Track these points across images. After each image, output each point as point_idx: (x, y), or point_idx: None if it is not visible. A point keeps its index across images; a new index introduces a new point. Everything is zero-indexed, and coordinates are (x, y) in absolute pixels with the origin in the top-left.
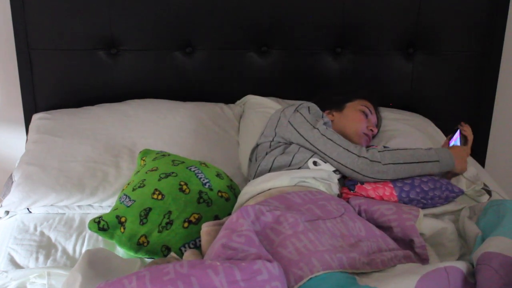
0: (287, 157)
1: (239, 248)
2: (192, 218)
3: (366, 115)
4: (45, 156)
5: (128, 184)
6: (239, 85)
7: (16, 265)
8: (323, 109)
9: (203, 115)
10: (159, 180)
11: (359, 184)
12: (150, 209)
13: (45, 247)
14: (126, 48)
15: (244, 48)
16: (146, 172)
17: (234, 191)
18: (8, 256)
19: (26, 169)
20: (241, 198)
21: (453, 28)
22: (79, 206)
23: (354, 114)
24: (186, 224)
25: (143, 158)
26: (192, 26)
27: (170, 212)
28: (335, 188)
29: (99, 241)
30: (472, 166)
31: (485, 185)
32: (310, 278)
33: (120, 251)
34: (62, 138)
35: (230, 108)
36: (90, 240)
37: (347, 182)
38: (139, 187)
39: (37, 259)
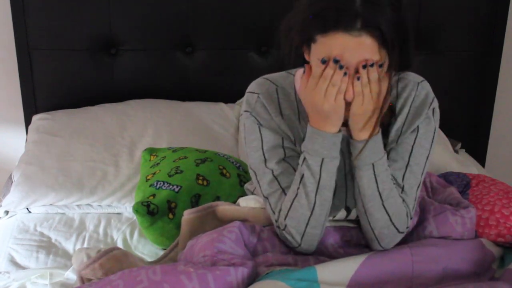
0: None
1: (228, 250)
2: None
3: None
4: (44, 156)
5: (153, 174)
6: (239, 85)
7: (16, 265)
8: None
9: (203, 115)
10: (197, 165)
11: None
12: (199, 195)
13: (45, 247)
14: (126, 48)
15: (244, 48)
16: (174, 161)
17: None
18: (8, 256)
19: (25, 168)
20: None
21: (453, 27)
22: (78, 206)
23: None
24: None
25: (153, 154)
26: (192, 26)
27: (218, 197)
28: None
29: (99, 241)
30: None
31: None
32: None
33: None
34: (61, 137)
35: (230, 107)
36: (90, 240)
37: None
38: (177, 172)
39: (37, 259)
